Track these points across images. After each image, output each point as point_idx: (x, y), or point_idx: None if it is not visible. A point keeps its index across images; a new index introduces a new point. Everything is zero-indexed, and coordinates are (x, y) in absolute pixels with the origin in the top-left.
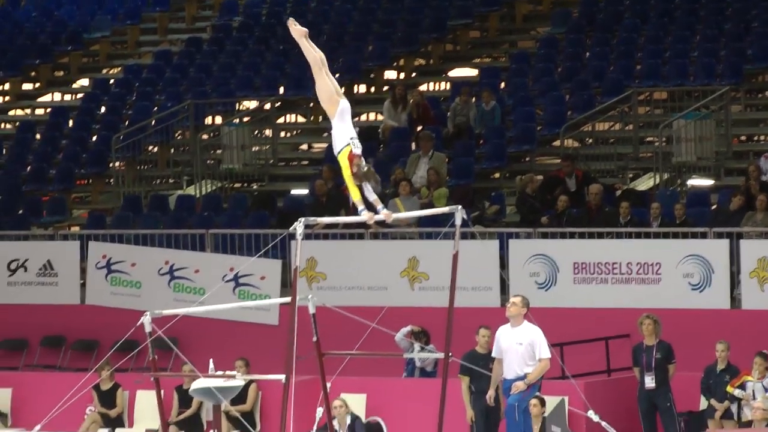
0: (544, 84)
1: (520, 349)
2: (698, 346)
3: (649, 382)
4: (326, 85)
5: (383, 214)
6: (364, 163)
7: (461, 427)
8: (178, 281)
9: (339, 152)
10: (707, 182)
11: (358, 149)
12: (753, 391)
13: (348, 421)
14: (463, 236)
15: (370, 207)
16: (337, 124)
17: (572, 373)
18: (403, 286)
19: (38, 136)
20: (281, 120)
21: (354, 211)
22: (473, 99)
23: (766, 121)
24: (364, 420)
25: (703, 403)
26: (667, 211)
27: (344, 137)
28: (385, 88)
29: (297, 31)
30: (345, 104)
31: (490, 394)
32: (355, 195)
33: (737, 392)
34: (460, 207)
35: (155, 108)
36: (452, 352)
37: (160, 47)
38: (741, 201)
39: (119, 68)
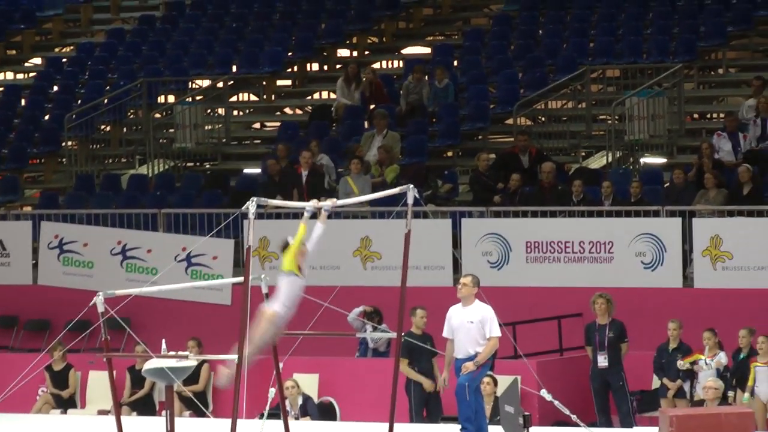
0: (497, 62)
1: (471, 328)
2: (651, 324)
3: (602, 361)
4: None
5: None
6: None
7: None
8: (131, 261)
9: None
10: (660, 160)
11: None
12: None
13: (300, 401)
14: (416, 215)
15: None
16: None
17: (525, 353)
18: (356, 265)
19: None
20: (234, 99)
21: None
22: (426, 77)
23: (718, 98)
24: (316, 400)
25: (656, 382)
26: (619, 190)
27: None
28: (339, 66)
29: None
30: (271, 309)
31: (444, 376)
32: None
33: (689, 365)
34: (411, 186)
35: (108, 87)
36: (404, 331)
37: (113, 25)
38: (683, 176)
39: (72, 47)
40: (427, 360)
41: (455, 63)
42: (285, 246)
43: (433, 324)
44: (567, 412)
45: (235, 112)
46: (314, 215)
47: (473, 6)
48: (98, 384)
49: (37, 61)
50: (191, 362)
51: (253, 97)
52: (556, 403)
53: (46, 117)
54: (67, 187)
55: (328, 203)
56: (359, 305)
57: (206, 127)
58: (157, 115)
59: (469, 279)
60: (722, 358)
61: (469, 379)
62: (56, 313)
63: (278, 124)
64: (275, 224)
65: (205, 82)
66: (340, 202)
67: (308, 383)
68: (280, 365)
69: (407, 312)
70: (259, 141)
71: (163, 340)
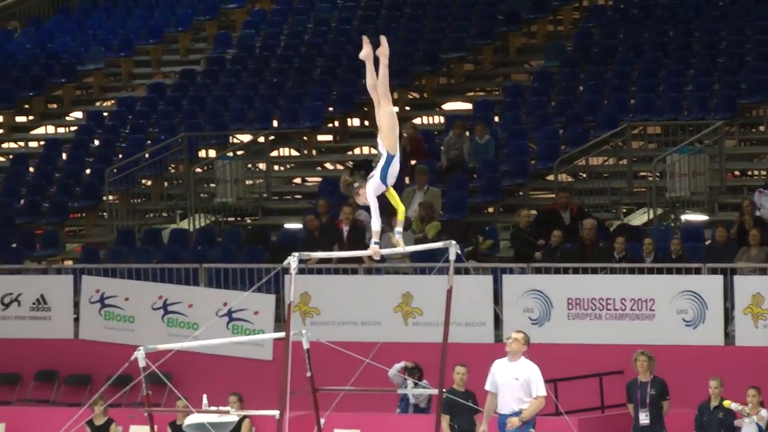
0: (537, 118)
1: (516, 385)
2: (692, 382)
3: (644, 418)
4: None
5: (394, 242)
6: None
7: None
8: (172, 316)
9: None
10: (701, 217)
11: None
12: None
13: None
14: (457, 271)
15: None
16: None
17: (566, 410)
18: (397, 321)
19: (31, 169)
20: (275, 153)
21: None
22: (467, 133)
23: (759, 155)
24: None
25: None
26: (660, 246)
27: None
28: None
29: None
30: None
31: (483, 429)
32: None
33: (734, 406)
34: (453, 242)
35: (148, 141)
36: (446, 387)
37: (154, 80)
38: (725, 234)
39: (113, 101)
40: (468, 417)
41: (496, 119)
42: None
43: (474, 380)
44: None
45: (276, 167)
46: None
47: (513, 62)
48: None
49: (78, 115)
50: (232, 417)
51: (293, 152)
52: None
53: (87, 171)
54: (107, 242)
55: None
56: (400, 361)
57: (247, 182)
58: (198, 170)
59: (522, 336)
60: (764, 413)
61: None
62: (97, 368)
63: (319, 179)
64: (317, 279)
65: (246, 137)
66: (386, 251)
67: None
68: (322, 421)
69: (449, 368)
70: (300, 196)
71: (204, 395)
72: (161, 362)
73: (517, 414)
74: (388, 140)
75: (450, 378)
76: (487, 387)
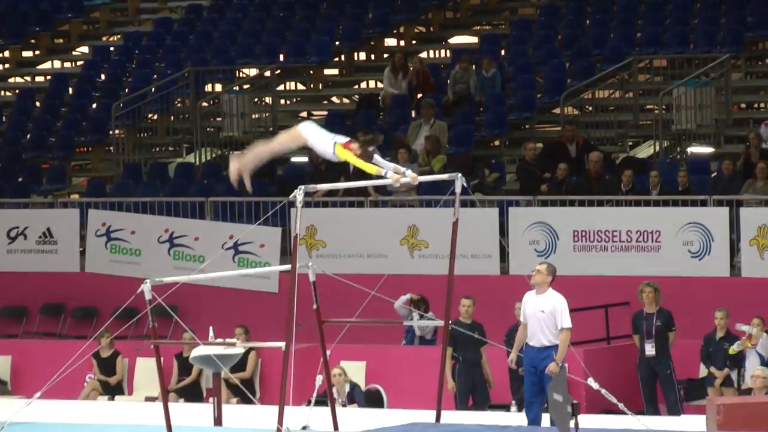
0: (544, 52)
1: (542, 317)
2: (698, 313)
3: (650, 349)
4: (281, 143)
5: (409, 175)
6: (359, 144)
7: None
8: (178, 249)
9: (333, 153)
10: (707, 150)
11: (344, 138)
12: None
13: (347, 388)
14: (463, 204)
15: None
16: (314, 141)
17: (572, 341)
18: (403, 253)
19: (38, 104)
20: (281, 87)
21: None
22: (473, 67)
23: (766, 88)
24: (363, 387)
25: (703, 371)
26: (666, 179)
27: (326, 141)
28: (386, 55)
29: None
30: (305, 127)
31: (512, 357)
32: (372, 170)
33: (745, 327)
34: (459, 174)
35: (155, 76)
36: (452, 318)
37: (160, 14)
38: (731, 166)
39: (119, 36)
40: (474, 350)
41: (502, 53)
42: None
43: (481, 312)
44: (614, 400)
45: (282, 101)
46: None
47: None
48: (145, 371)
49: (85, 50)
50: (238, 349)
51: (300, 87)
52: (603, 391)
53: (94, 106)
54: (114, 176)
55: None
56: (406, 293)
57: (253, 116)
58: (204, 104)
59: (544, 267)
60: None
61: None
62: (103, 301)
63: (325, 113)
64: (322, 212)
65: (253, 71)
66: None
67: (355, 371)
68: (328, 353)
69: (455, 300)
70: None
71: (211, 328)
72: (167, 295)
73: (545, 347)
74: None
75: (456, 310)
76: (521, 318)
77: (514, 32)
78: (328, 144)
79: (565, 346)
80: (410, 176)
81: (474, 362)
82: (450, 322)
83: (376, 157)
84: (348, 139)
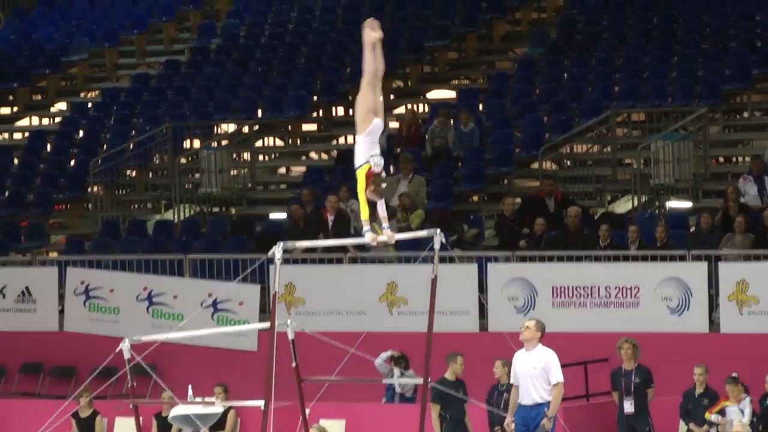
0: (522, 105)
1: (534, 373)
2: (677, 369)
3: (629, 406)
4: (368, 100)
5: (386, 234)
6: (383, 184)
7: None
8: (157, 307)
9: (358, 167)
10: (686, 204)
11: (378, 167)
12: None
13: None
14: (442, 260)
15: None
16: (362, 139)
17: None
18: (382, 310)
19: (16, 161)
20: (259, 143)
21: (334, 232)
22: (451, 121)
23: (743, 142)
24: None
25: (682, 428)
26: (645, 233)
27: (366, 154)
28: None
29: (368, 36)
30: (378, 123)
31: (507, 421)
32: (364, 213)
33: (714, 417)
34: (438, 230)
35: (133, 132)
36: (431, 377)
37: (138, 70)
38: (710, 220)
39: (97, 91)
40: (459, 407)
41: (480, 107)
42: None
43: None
44: None
45: (261, 157)
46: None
47: (497, 50)
48: (125, 430)
49: (62, 106)
50: (218, 408)
51: (278, 142)
52: None
53: (72, 162)
54: (92, 233)
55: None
56: (386, 350)
57: (232, 172)
58: (183, 160)
59: (533, 323)
60: (748, 404)
61: None
62: (82, 360)
63: (304, 168)
64: (302, 269)
65: (231, 127)
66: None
67: (335, 429)
68: (307, 411)
69: (434, 357)
70: (284, 186)
71: (190, 387)
72: (146, 354)
73: (538, 404)
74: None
75: (437, 367)
76: (512, 380)
77: (492, 86)
78: (364, 156)
79: (558, 401)
80: (387, 235)
81: (460, 420)
82: (433, 380)
83: (380, 204)
84: (381, 168)
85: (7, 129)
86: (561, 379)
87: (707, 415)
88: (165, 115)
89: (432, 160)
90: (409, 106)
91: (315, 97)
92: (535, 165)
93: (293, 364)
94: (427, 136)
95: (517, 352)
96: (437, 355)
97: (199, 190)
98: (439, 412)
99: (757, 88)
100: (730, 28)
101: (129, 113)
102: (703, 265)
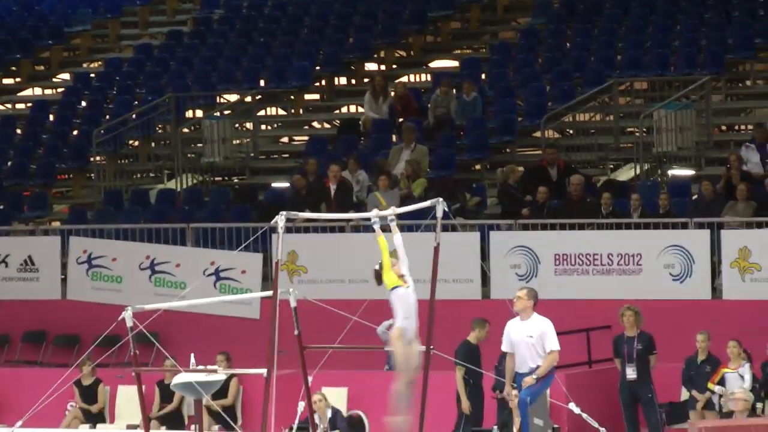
0: (524, 75)
1: (530, 342)
2: (679, 336)
3: (631, 373)
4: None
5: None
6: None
7: (442, 420)
8: (159, 276)
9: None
10: (688, 172)
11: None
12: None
13: (329, 415)
14: (444, 228)
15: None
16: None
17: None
18: None
19: (19, 131)
20: (262, 113)
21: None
22: (454, 90)
23: (746, 110)
24: (345, 414)
25: (685, 394)
26: (647, 202)
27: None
28: (366, 80)
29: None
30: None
31: (507, 390)
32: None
33: (717, 388)
34: (441, 199)
35: (136, 102)
36: (434, 344)
37: (141, 41)
38: (712, 188)
39: (100, 62)
40: (480, 372)
41: (483, 76)
42: (377, 273)
43: (462, 337)
44: (595, 424)
45: (263, 127)
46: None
47: (500, 20)
48: (127, 398)
49: (66, 76)
50: (220, 376)
51: (281, 112)
52: (585, 416)
53: (75, 133)
54: (95, 203)
55: (389, 212)
56: (388, 318)
57: (234, 142)
58: (185, 130)
59: (524, 292)
60: (747, 369)
61: (529, 393)
62: (85, 328)
63: (306, 138)
64: (304, 238)
65: (233, 97)
66: (396, 210)
67: (337, 397)
68: (309, 379)
69: (436, 324)
70: (287, 155)
71: (192, 355)
72: (149, 322)
73: (534, 371)
74: None
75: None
76: (504, 348)
77: (495, 56)
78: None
79: (549, 365)
80: (390, 211)
81: (479, 385)
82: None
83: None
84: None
85: (10, 100)
86: (557, 347)
87: (710, 386)
88: (168, 85)
89: (434, 129)
90: (412, 76)
91: (318, 67)
92: (538, 134)
93: (295, 332)
94: (429, 106)
95: (511, 321)
96: (439, 323)
97: (201, 160)
98: (463, 374)
99: (759, 56)
100: None
101: (132, 83)
102: (706, 233)
